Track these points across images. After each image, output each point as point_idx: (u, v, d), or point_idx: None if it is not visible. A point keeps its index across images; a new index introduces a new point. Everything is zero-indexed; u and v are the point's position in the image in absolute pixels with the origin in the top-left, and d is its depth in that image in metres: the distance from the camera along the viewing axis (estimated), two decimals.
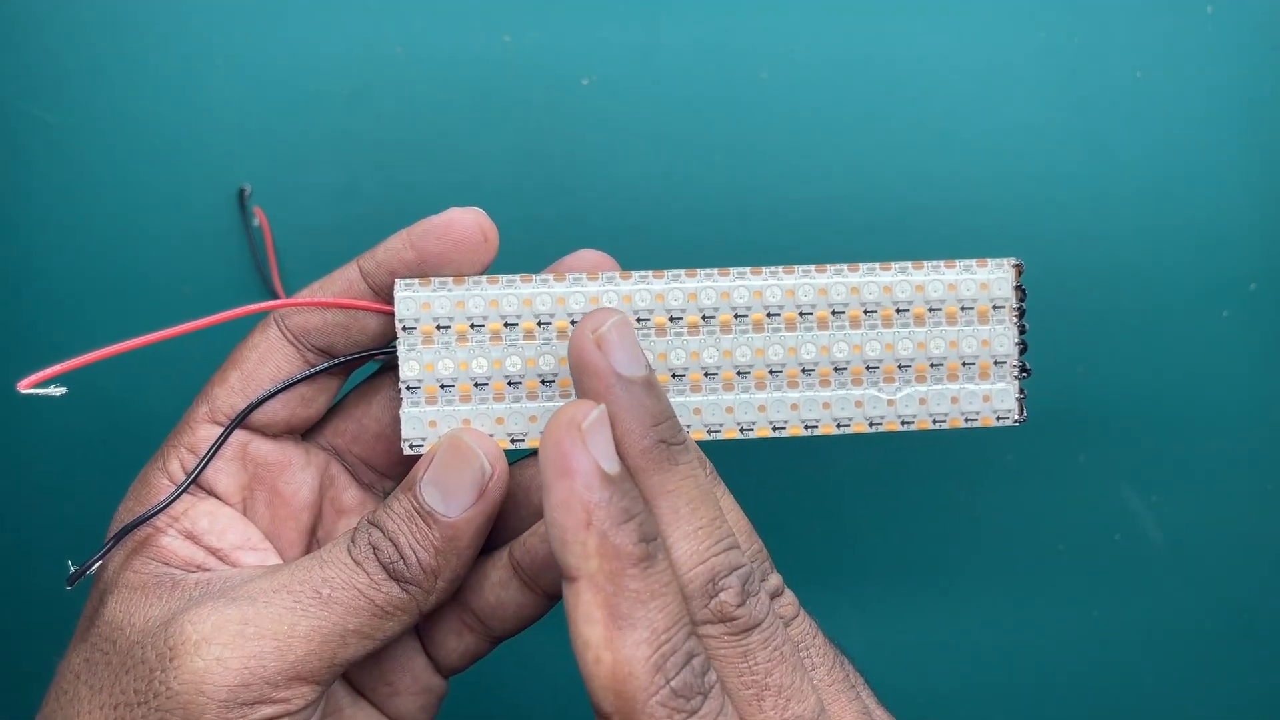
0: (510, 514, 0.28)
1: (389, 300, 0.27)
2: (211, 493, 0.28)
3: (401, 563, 0.25)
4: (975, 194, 0.41)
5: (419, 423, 0.27)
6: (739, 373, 0.27)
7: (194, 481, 0.27)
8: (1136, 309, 0.41)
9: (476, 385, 0.27)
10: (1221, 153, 0.41)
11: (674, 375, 0.27)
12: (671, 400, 0.27)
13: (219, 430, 0.27)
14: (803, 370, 0.27)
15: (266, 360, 0.27)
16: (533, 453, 0.28)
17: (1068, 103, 0.41)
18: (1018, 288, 0.28)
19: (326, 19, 0.41)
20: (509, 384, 0.27)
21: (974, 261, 0.27)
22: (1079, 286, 0.41)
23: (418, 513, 0.25)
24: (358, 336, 0.27)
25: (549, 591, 0.28)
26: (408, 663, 0.29)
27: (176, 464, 0.27)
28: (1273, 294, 0.41)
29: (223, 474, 0.27)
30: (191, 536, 0.27)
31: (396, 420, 0.28)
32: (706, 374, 0.27)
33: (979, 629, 0.42)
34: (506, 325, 0.27)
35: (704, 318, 0.27)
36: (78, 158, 0.41)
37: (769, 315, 0.27)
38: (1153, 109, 0.41)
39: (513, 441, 0.27)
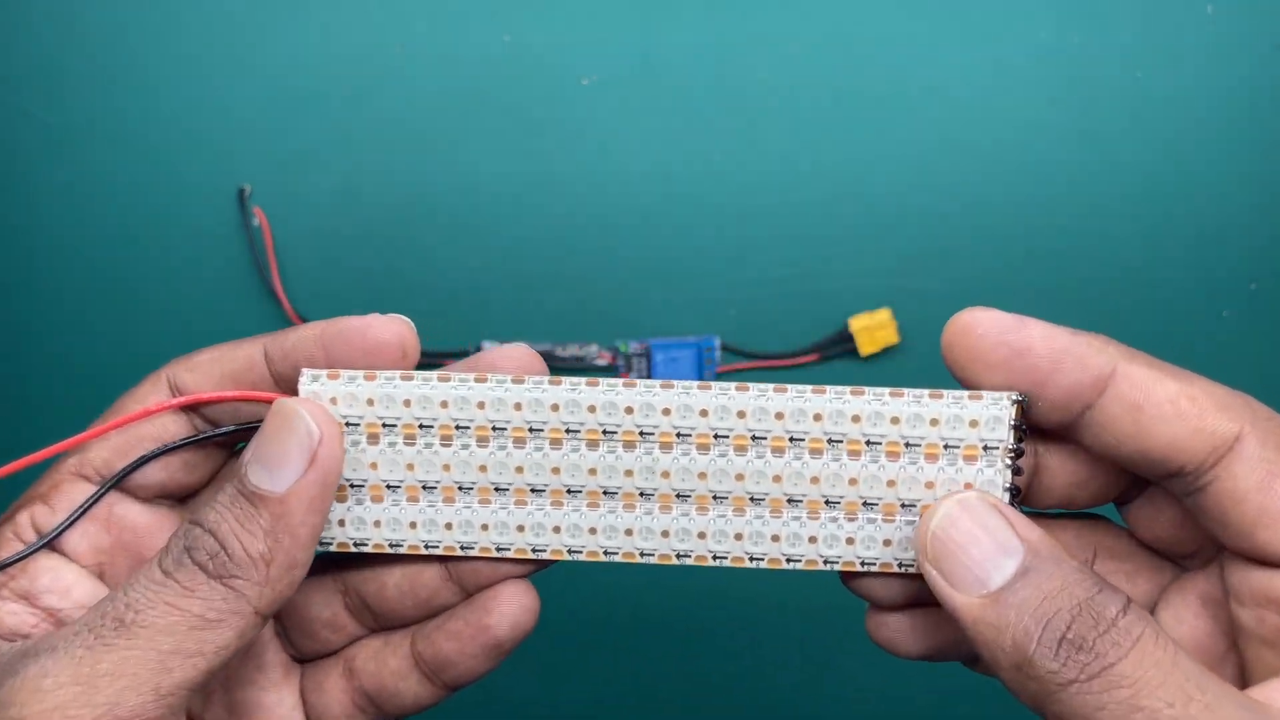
0: (408, 606, 0.26)
1: (290, 390, 0.25)
2: (58, 551, 0.25)
3: (224, 554, 0.22)
4: (975, 194, 0.41)
5: (329, 523, 0.25)
6: (678, 496, 0.24)
7: (49, 543, 0.24)
8: (1136, 309, 0.41)
9: (389, 487, 0.25)
10: (1221, 153, 0.41)
11: (606, 492, 0.25)
12: (582, 518, 0.25)
13: (84, 485, 0.25)
14: (751, 499, 0.24)
15: (151, 418, 0.25)
16: (450, 558, 0.26)
17: (1068, 103, 0.41)
18: (1016, 427, 0.24)
19: (326, 19, 0.41)
20: (424, 488, 0.25)
21: (965, 394, 0.24)
22: (1079, 286, 0.41)
23: (242, 495, 0.23)
24: (249, 411, 0.25)
25: (451, 685, 0.26)
26: None
27: (26, 518, 0.25)
28: (1273, 294, 0.41)
29: (76, 532, 0.25)
30: (27, 597, 0.24)
31: None
32: (642, 494, 0.25)
33: None
34: (421, 427, 0.25)
35: (641, 434, 0.24)
36: (78, 158, 0.41)
37: (716, 437, 0.24)
38: (1153, 109, 0.41)
39: (426, 548, 0.25)
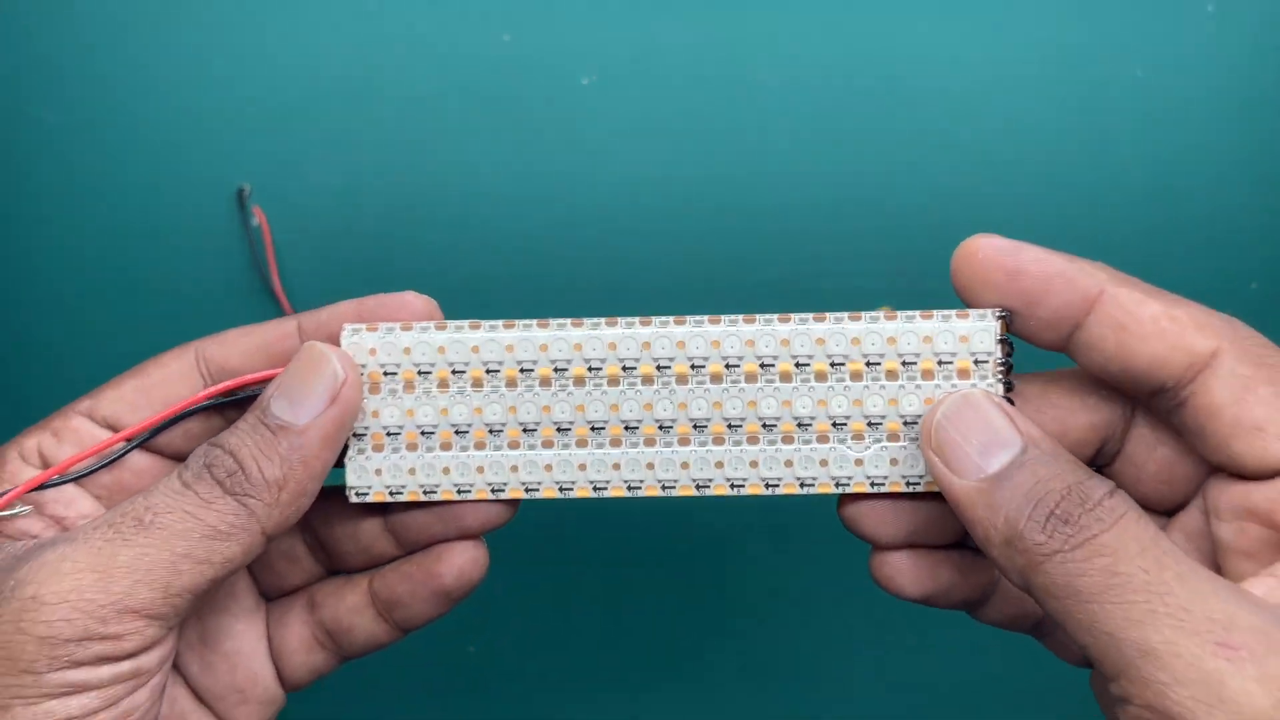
0: (350, 550, 0.28)
1: None
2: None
3: (240, 473, 0.24)
4: (976, 193, 0.41)
5: (365, 471, 0.27)
6: (696, 427, 0.26)
7: (66, 481, 0.26)
8: None
9: (423, 433, 0.26)
10: (1222, 152, 0.41)
11: (627, 428, 0.26)
12: (609, 455, 0.26)
13: (91, 426, 0.26)
14: (764, 425, 0.26)
15: (170, 383, 0.27)
16: (452, 503, 0.27)
17: (1068, 102, 0.41)
18: (1002, 341, 0.26)
19: (326, 19, 0.41)
20: (456, 433, 0.26)
21: (954, 312, 0.26)
22: None
23: (264, 424, 0.24)
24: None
25: (402, 626, 0.28)
26: (259, 673, 0.28)
27: (34, 444, 0.26)
28: (1273, 294, 0.41)
29: (81, 465, 0.26)
30: (34, 504, 0.26)
31: None
32: (661, 427, 0.26)
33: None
34: (454, 373, 0.26)
35: (659, 368, 0.26)
36: (77, 158, 0.41)
37: (728, 367, 0.26)
38: (1153, 108, 0.41)
39: (459, 493, 0.27)
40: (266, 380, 0.26)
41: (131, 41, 0.41)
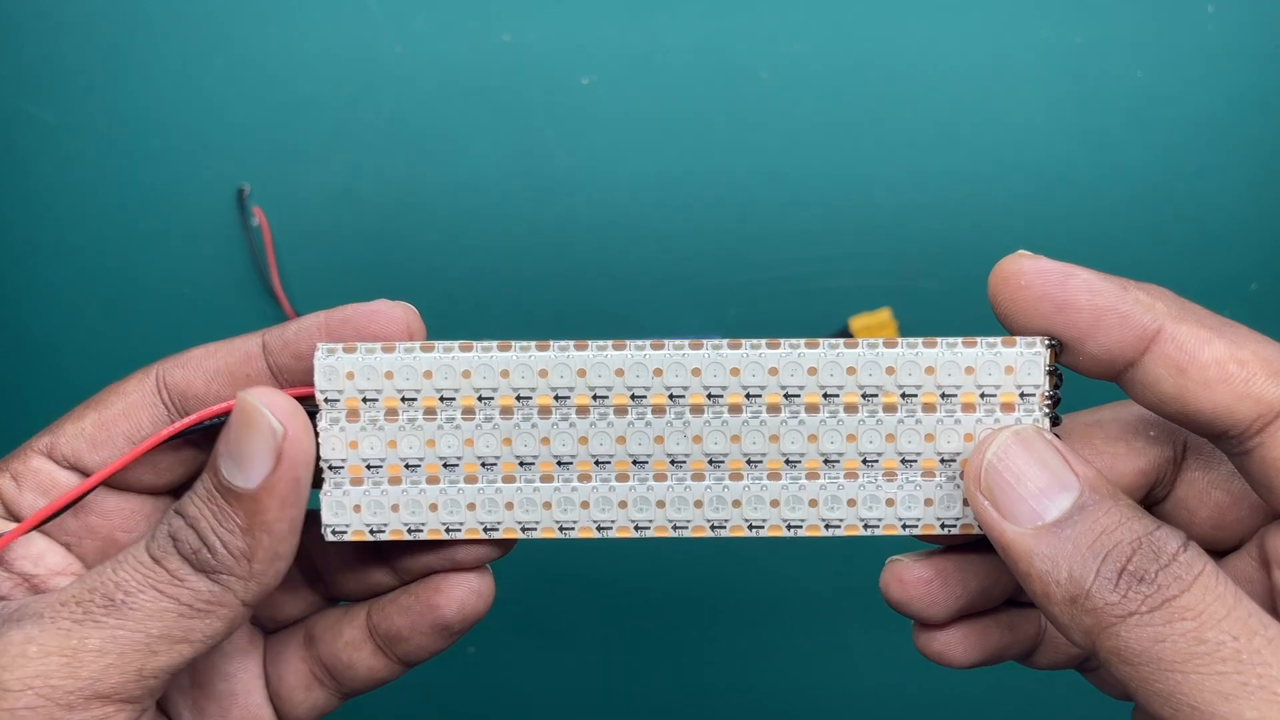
0: (347, 580, 0.26)
1: (295, 382, 0.24)
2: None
3: (206, 551, 0.22)
4: (976, 193, 0.41)
5: (342, 507, 0.24)
6: (711, 462, 0.24)
7: (36, 528, 0.24)
8: None
9: (408, 466, 0.24)
10: (1222, 152, 0.41)
11: (635, 462, 0.24)
12: (615, 492, 0.24)
13: (51, 466, 0.25)
14: (786, 461, 0.24)
15: (132, 414, 0.25)
16: (457, 543, 0.25)
17: (1069, 102, 0.41)
18: (1052, 372, 0.23)
19: (327, 19, 0.41)
20: (445, 466, 0.24)
21: (999, 340, 0.23)
22: None
23: (218, 490, 0.22)
24: None
25: (404, 660, 0.26)
26: (256, 714, 0.26)
27: None
28: (1273, 294, 0.41)
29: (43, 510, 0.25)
30: (1, 563, 0.24)
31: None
32: (673, 462, 0.24)
33: None
34: (443, 399, 0.24)
35: (672, 397, 0.24)
36: (77, 158, 0.41)
37: (748, 397, 0.23)
38: (1154, 108, 0.41)
39: (447, 531, 0.24)
40: (227, 413, 0.24)
41: (132, 42, 0.41)
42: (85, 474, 0.25)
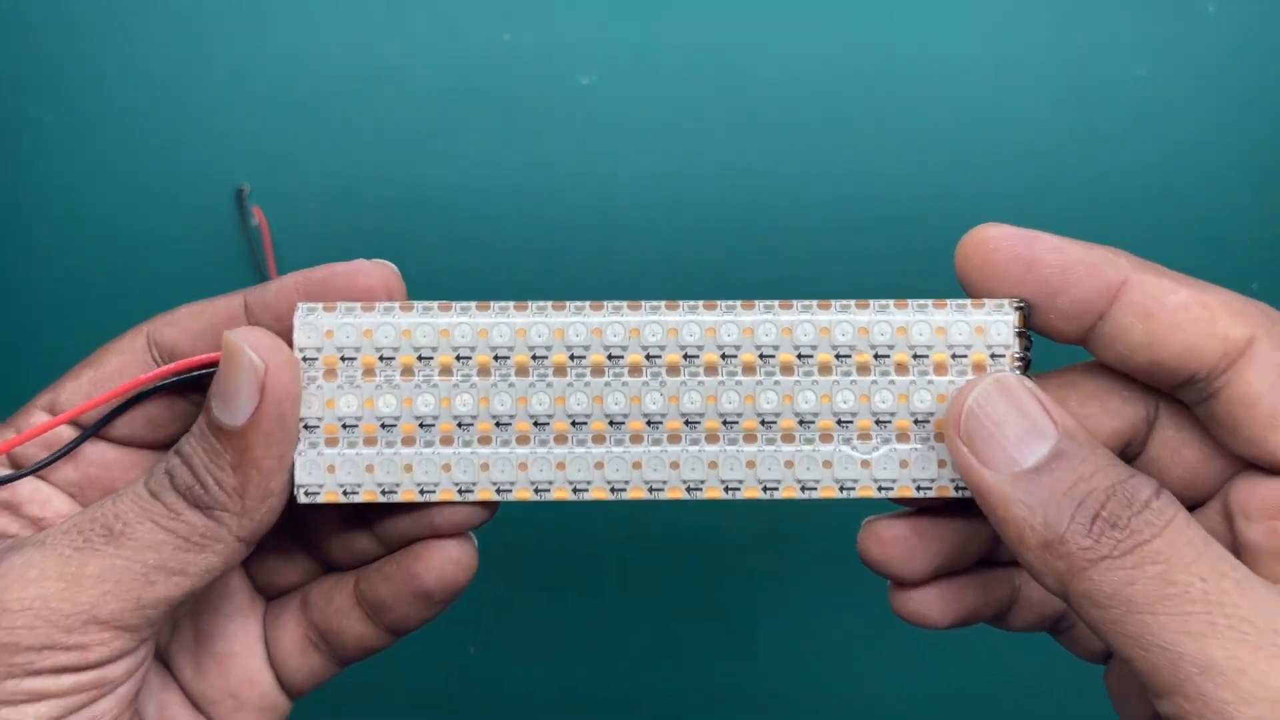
0: (334, 546, 0.27)
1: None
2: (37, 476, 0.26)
3: (199, 487, 0.23)
4: (976, 193, 0.41)
5: (316, 467, 0.24)
6: (687, 423, 0.24)
7: (34, 472, 0.25)
8: None
9: (384, 426, 0.24)
10: (1222, 152, 0.41)
11: (611, 423, 0.24)
12: (591, 453, 0.24)
13: (50, 419, 0.26)
14: (762, 422, 0.24)
15: (127, 370, 0.25)
16: (426, 505, 0.25)
17: (1069, 102, 0.41)
18: (1021, 334, 0.24)
19: (326, 18, 0.41)
20: (421, 426, 0.24)
21: (969, 302, 0.24)
22: None
23: (209, 428, 0.23)
24: None
25: (392, 629, 0.26)
26: (255, 677, 0.27)
27: None
28: (1273, 294, 0.41)
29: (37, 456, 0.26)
30: (9, 507, 0.25)
31: None
32: (650, 423, 0.24)
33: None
34: (420, 359, 0.24)
35: (648, 357, 0.24)
36: (77, 158, 0.41)
37: (724, 357, 0.24)
38: (1154, 108, 0.41)
39: (422, 493, 0.24)
40: (210, 363, 0.24)
41: (131, 41, 0.41)
42: (83, 427, 0.26)
